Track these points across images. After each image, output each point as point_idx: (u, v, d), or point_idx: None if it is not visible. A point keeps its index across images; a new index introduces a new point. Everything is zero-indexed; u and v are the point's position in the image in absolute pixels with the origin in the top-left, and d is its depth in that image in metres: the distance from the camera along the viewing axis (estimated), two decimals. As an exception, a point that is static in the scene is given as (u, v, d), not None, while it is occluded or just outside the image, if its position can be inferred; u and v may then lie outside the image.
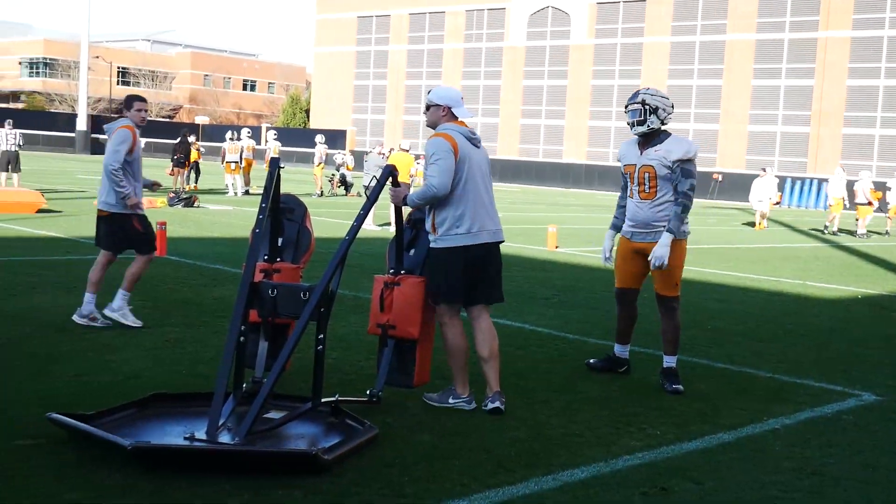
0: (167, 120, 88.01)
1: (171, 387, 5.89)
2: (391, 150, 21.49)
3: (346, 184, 32.70)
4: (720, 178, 54.26)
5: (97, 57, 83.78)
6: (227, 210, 21.94)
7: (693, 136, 61.61)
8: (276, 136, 33.06)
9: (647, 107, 6.65)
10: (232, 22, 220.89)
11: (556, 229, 17.47)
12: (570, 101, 67.42)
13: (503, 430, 5.42)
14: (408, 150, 18.86)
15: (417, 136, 74.70)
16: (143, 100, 8.24)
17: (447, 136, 5.73)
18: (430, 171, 5.66)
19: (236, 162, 27.66)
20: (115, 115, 78.61)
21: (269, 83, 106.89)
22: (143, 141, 8.03)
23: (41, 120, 67.96)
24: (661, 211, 6.65)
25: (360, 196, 31.29)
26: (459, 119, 5.93)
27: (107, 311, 7.87)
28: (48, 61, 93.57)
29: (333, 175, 32.76)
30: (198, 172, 30.26)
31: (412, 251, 6.08)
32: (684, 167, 6.58)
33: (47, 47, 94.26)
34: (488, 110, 72.26)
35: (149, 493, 4.13)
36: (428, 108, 5.95)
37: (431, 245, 5.84)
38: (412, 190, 5.91)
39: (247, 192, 28.15)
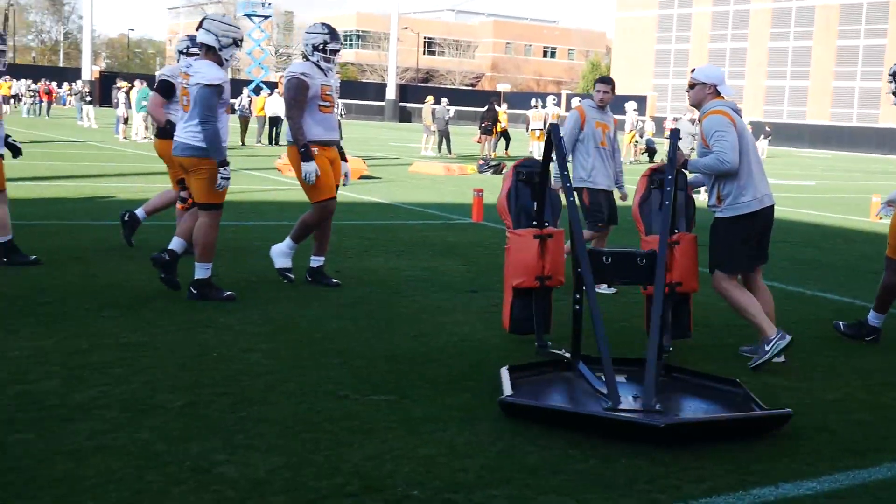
0: (470, 88, 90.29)
1: (505, 350, 6.09)
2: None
3: (651, 150, 32.29)
4: None
5: (406, 28, 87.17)
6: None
7: None
8: (555, 102, 33.93)
9: None
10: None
11: (880, 199, 16.47)
12: (889, 62, 63.06)
13: (845, 411, 5.20)
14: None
15: (720, 101, 72.44)
16: (604, 81, 8.39)
17: (725, 112, 5.97)
18: (719, 147, 5.88)
19: (541, 129, 28.04)
20: (422, 85, 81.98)
21: (570, 49, 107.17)
22: (596, 118, 8.20)
23: (354, 90, 71.76)
24: None
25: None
26: (723, 96, 6.14)
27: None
28: (360, 33, 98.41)
29: (637, 142, 32.44)
30: (507, 139, 31.00)
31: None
32: None
33: (359, 20, 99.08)
34: (797, 73, 68.98)
35: (496, 452, 4.30)
36: (693, 86, 6.20)
37: (717, 215, 6.11)
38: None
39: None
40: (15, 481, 3.73)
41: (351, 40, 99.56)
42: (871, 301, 8.39)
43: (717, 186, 6.04)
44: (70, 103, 53.45)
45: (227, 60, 7.07)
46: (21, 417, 4.43)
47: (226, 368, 5.42)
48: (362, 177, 19.05)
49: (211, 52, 7.03)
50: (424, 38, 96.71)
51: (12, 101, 50.11)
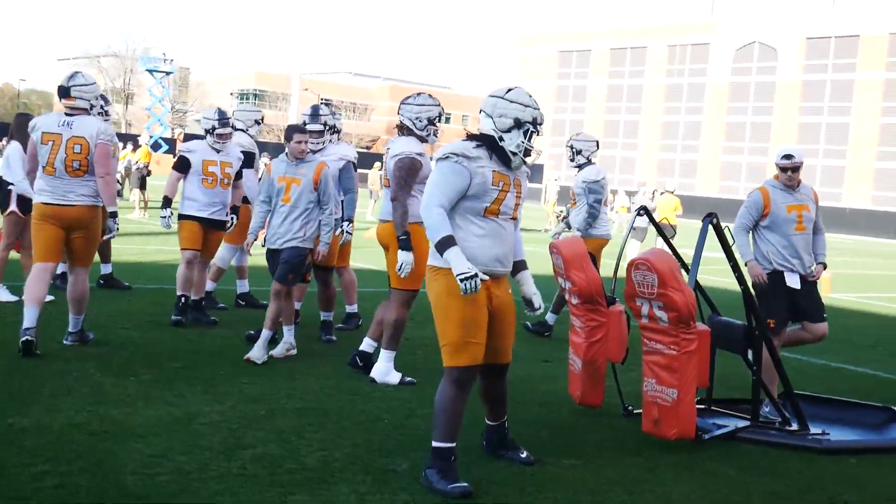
0: (366, 150, 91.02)
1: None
2: (655, 191, 21.84)
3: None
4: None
5: (306, 89, 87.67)
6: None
7: (907, 176, 59.78)
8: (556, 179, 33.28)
9: None
10: (428, 56, 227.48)
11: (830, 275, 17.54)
12: (775, 138, 66.43)
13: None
14: (673, 192, 19.42)
15: (614, 171, 74.86)
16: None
17: (760, 188, 7.30)
18: None
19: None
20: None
21: (463, 115, 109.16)
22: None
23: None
24: None
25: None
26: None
27: None
28: (258, 93, 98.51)
29: (562, 211, 33.48)
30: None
31: None
32: None
33: (258, 79, 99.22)
34: (687, 146, 71.87)
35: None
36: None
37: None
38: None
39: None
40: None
41: (248, 99, 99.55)
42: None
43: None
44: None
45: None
46: (280, 480, 4.75)
47: (405, 434, 5.79)
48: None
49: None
50: (322, 99, 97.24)
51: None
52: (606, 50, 76.25)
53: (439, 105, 7.61)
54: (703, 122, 70.70)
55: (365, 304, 10.85)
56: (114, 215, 7.32)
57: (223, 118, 8.92)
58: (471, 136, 5.08)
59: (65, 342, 7.52)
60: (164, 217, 8.92)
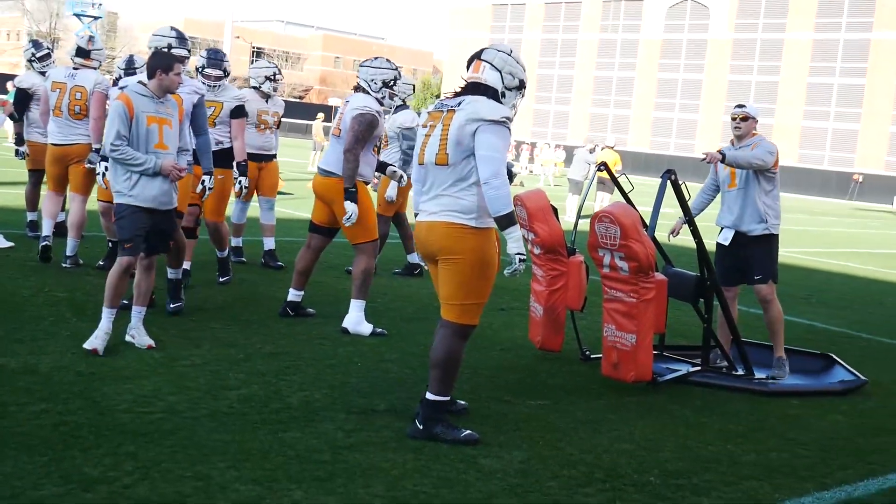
0: (298, 100, 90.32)
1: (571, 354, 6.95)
2: (596, 146, 21.92)
3: (510, 174, 33.70)
4: (860, 180, 53.94)
5: (237, 37, 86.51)
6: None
7: (832, 136, 61.13)
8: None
9: None
10: (362, 6, 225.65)
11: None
12: (706, 96, 67.36)
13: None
14: (613, 147, 19.83)
15: (547, 126, 75.33)
16: None
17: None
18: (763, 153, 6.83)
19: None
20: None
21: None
22: None
23: (187, 97, 70.55)
24: None
25: (522, 186, 32.29)
26: None
27: None
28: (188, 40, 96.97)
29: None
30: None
31: None
32: None
33: (187, 26, 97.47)
34: (620, 102, 72.56)
35: (674, 445, 5.17)
36: (745, 119, 7.00)
37: (770, 231, 6.96)
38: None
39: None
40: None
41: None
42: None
43: (762, 206, 6.88)
44: None
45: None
46: (269, 418, 4.99)
47: (379, 377, 6.05)
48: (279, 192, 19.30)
49: None
50: (254, 47, 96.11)
51: None
52: (541, 4, 76.33)
53: (396, 69, 7.52)
54: (636, 79, 71.33)
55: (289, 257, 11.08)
56: (96, 150, 8.46)
57: (130, 67, 8.58)
58: (473, 86, 4.93)
59: (63, 265, 8.66)
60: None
